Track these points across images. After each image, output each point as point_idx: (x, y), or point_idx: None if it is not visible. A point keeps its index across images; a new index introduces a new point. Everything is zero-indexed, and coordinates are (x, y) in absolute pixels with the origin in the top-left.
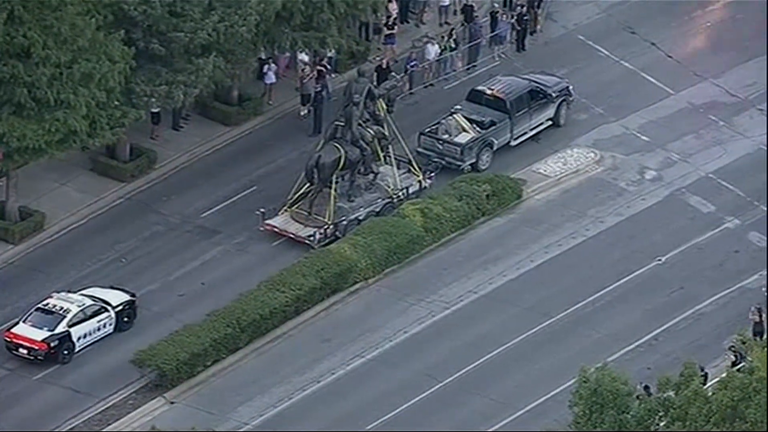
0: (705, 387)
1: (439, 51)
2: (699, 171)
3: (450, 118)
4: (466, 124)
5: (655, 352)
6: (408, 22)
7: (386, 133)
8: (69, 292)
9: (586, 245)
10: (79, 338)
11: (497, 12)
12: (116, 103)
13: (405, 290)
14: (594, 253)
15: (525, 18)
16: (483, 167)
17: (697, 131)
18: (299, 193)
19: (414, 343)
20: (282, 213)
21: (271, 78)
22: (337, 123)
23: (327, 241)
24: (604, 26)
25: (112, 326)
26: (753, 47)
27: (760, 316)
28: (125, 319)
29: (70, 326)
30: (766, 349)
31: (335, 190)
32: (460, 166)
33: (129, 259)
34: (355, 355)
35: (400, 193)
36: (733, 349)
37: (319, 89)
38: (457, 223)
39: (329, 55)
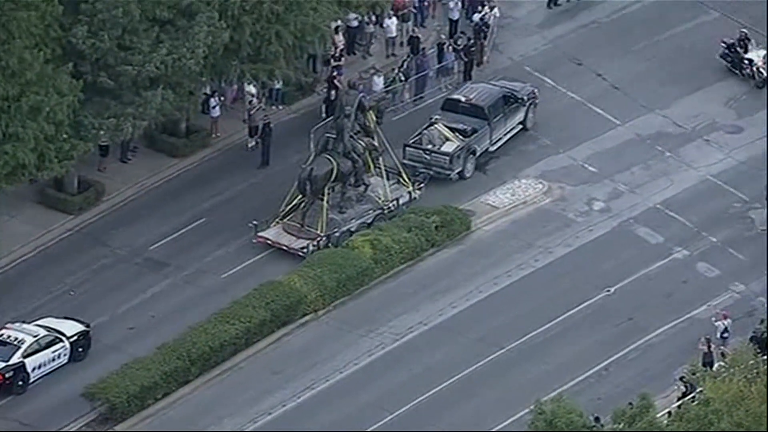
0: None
1: (385, 82)
2: (647, 202)
3: (432, 128)
4: (448, 133)
5: (605, 383)
6: (355, 54)
7: (376, 145)
8: (23, 322)
9: (535, 276)
10: (33, 369)
11: (444, 43)
12: (65, 136)
13: (355, 322)
14: (543, 284)
15: (471, 49)
16: (468, 175)
17: (645, 162)
18: (291, 205)
19: (364, 375)
20: (274, 225)
21: (216, 112)
22: (328, 135)
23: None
24: (551, 57)
25: (67, 357)
26: (699, 78)
27: (709, 346)
28: (80, 349)
29: (24, 357)
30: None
31: (327, 202)
32: (449, 175)
33: (78, 291)
34: (306, 387)
35: (391, 205)
36: (683, 379)
37: (267, 121)
38: (407, 254)
39: (277, 86)
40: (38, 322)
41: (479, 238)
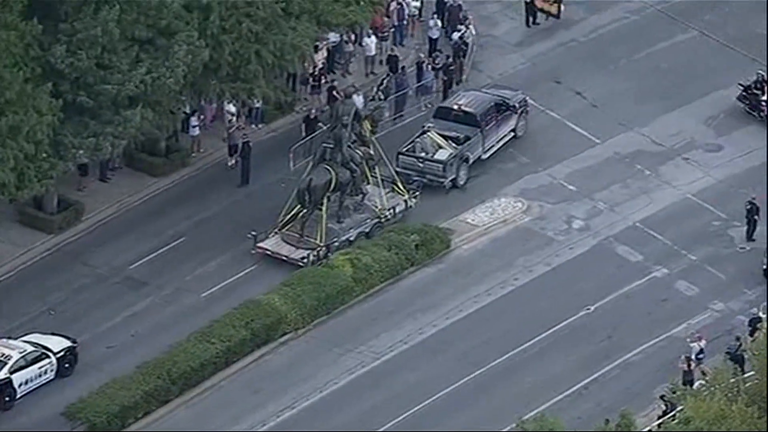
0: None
1: (363, 101)
2: (626, 220)
3: (425, 136)
4: (441, 141)
5: (585, 402)
6: (334, 73)
7: (373, 154)
8: (9, 338)
9: (515, 294)
10: (20, 385)
11: (423, 62)
12: (44, 155)
13: (335, 341)
14: (523, 303)
15: (450, 68)
16: (461, 182)
17: (624, 180)
18: (289, 215)
19: (345, 394)
20: (273, 235)
21: (196, 131)
22: (325, 145)
23: (320, 263)
24: (530, 76)
25: (54, 372)
26: (677, 96)
27: (689, 365)
28: (66, 365)
29: (11, 373)
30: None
31: (325, 212)
32: (442, 182)
33: (58, 310)
34: (286, 407)
35: (388, 213)
36: (664, 398)
37: (246, 140)
38: (387, 273)
39: (256, 105)
40: (24, 338)
41: (459, 256)
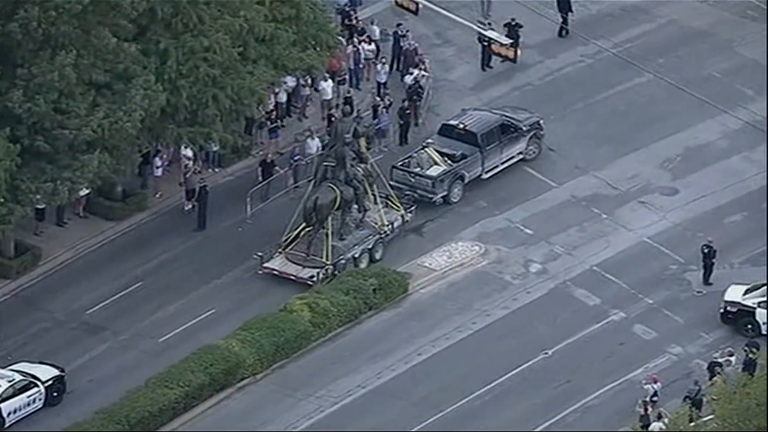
0: None
1: (320, 145)
2: (583, 264)
3: (422, 151)
4: (437, 157)
5: None
6: (291, 116)
7: (371, 171)
8: None
9: (473, 339)
10: (9, 414)
11: (379, 105)
12: (2, 200)
13: (293, 386)
14: (481, 347)
15: (407, 112)
16: (454, 200)
17: (581, 224)
18: (293, 234)
19: None
20: (277, 255)
21: (158, 171)
22: (326, 164)
23: (327, 281)
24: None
25: (42, 401)
26: (633, 140)
27: (646, 409)
28: (55, 394)
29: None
30: None
31: (330, 230)
32: (431, 198)
33: (15, 356)
34: None
35: (387, 229)
36: None
37: (203, 184)
38: (345, 317)
39: (213, 149)
40: (13, 367)
41: (417, 300)
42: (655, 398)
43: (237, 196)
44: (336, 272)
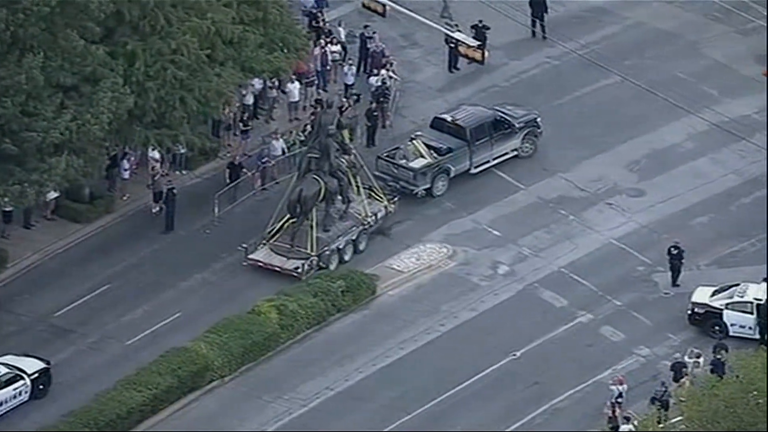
0: None
1: (285, 146)
2: (551, 265)
3: (409, 143)
4: (423, 150)
5: None
6: (258, 119)
7: (355, 162)
8: None
9: (441, 341)
10: None
11: (345, 107)
12: None
13: (262, 388)
14: (449, 349)
15: (374, 113)
16: (438, 193)
17: (548, 226)
18: (277, 226)
19: None
20: (262, 247)
21: (126, 174)
22: (311, 156)
23: (312, 272)
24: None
25: (28, 394)
26: (600, 142)
27: (614, 411)
28: (41, 386)
29: None
30: None
31: (314, 221)
32: (413, 190)
33: None
34: None
35: (370, 220)
36: None
37: (171, 187)
38: (313, 319)
39: (181, 151)
40: None
41: (385, 302)
42: (619, 399)
43: (204, 198)
44: (321, 263)
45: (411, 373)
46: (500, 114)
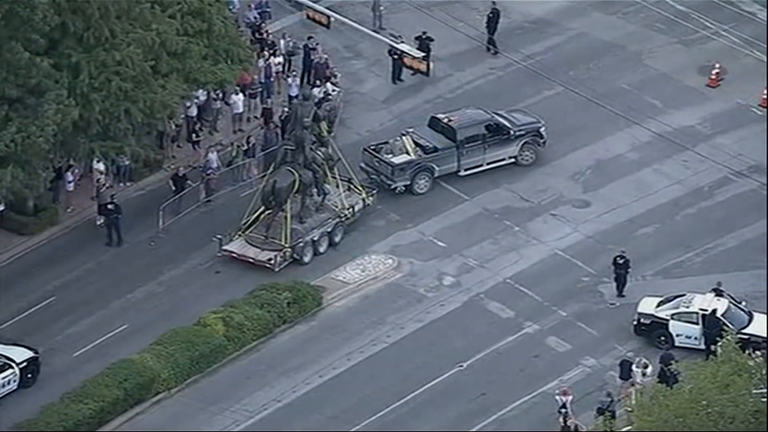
0: None
1: (218, 160)
2: (497, 276)
3: (398, 138)
4: (410, 146)
5: None
6: (202, 130)
7: (332, 154)
8: None
9: (387, 352)
10: None
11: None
12: None
13: (208, 400)
14: (396, 360)
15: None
16: (420, 191)
17: (493, 237)
18: (252, 217)
19: None
20: (237, 238)
21: (71, 186)
22: (286, 147)
23: (286, 264)
24: (397, 132)
25: (16, 383)
26: (544, 152)
27: (565, 421)
28: (29, 375)
29: None
30: None
31: (289, 213)
32: (391, 185)
33: None
34: None
35: (347, 212)
36: None
37: (113, 200)
38: (259, 331)
39: (126, 162)
40: None
41: (331, 314)
42: (563, 410)
43: (149, 210)
44: (294, 255)
45: (358, 385)
46: (498, 119)
